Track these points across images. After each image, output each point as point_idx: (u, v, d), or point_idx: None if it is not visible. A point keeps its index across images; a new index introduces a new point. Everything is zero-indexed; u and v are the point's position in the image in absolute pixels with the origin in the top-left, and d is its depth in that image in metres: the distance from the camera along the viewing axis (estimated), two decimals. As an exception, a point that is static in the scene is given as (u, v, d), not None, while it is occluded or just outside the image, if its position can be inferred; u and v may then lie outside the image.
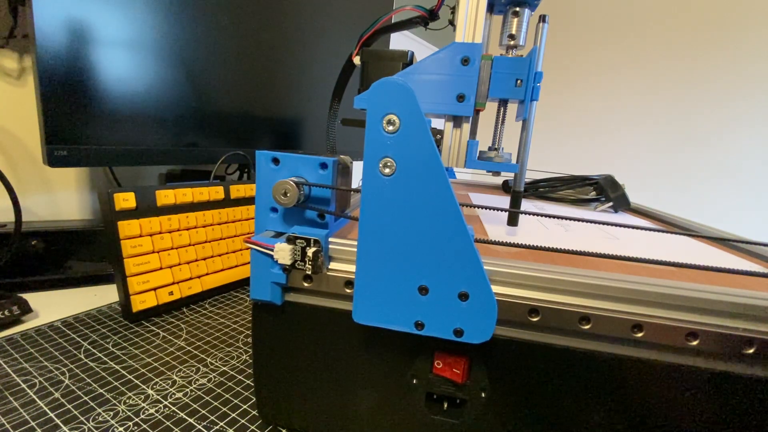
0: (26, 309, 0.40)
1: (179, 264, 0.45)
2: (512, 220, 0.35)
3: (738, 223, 1.50)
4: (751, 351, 0.20)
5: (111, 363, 0.34)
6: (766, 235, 1.45)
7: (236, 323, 0.43)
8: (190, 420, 0.28)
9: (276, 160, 0.24)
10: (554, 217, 0.26)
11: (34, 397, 0.29)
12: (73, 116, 0.44)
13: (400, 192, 0.20)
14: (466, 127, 0.31)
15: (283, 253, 0.23)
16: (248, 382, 0.33)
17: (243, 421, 0.28)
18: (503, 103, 0.32)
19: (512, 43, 0.30)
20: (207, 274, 0.47)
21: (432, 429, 0.25)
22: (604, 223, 0.24)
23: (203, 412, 0.29)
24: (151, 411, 0.29)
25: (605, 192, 0.50)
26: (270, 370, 0.27)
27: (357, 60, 0.33)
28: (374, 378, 0.25)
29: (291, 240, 0.23)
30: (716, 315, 0.21)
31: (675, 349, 0.21)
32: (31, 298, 0.41)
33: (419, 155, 0.20)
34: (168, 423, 0.28)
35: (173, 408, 0.29)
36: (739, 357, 0.21)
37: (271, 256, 0.23)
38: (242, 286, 0.52)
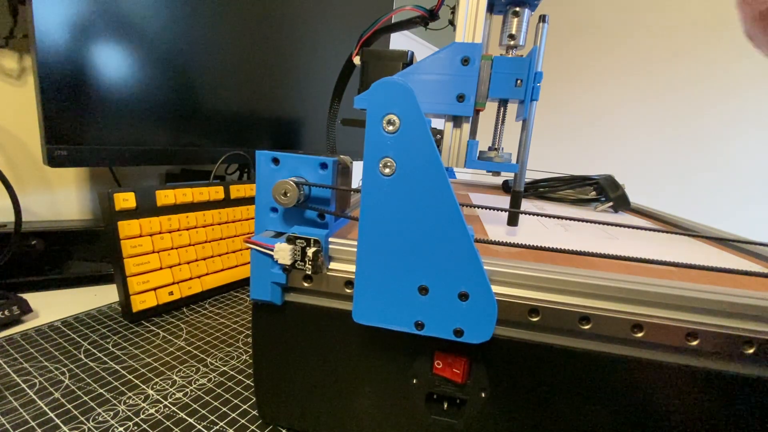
0: (26, 309, 0.40)
1: (179, 264, 0.45)
2: (512, 220, 0.35)
3: (738, 224, 1.50)
4: (751, 351, 0.20)
5: (111, 363, 0.34)
6: (766, 235, 1.45)
7: (236, 323, 0.43)
8: (190, 420, 0.28)
9: (276, 160, 0.24)
10: (554, 217, 0.26)
11: (34, 397, 0.29)
12: (73, 116, 0.44)
13: (400, 192, 0.20)
14: (466, 127, 0.31)
15: (283, 253, 0.23)
16: (248, 382, 0.33)
17: (243, 421, 0.28)
18: (503, 103, 0.32)
19: (512, 43, 0.30)
20: (207, 274, 0.47)
21: (432, 429, 0.25)
22: (604, 223, 0.24)
23: (203, 412, 0.29)
24: (151, 411, 0.29)
25: (605, 192, 0.50)
26: (270, 370, 0.27)
27: (357, 60, 0.33)
28: (374, 378, 0.25)
29: (291, 240, 0.23)
30: (716, 315, 0.21)
31: (675, 349, 0.21)
32: (31, 298, 0.41)
33: (419, 155, 0.20)
34: (168, 423, 0.28)
35: (173, 408, 0.29)
36: (739, 357, 0.21)
37: (271, 256, 0.23)
38: (242, 286, 0.52)
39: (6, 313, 0.38)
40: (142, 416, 0.28)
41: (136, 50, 0.48)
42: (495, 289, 0.22)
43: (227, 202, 0.51)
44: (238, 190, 0.52)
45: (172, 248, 0.44)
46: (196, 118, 0.57)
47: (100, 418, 0.27)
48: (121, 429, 0.27)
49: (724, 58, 1.44)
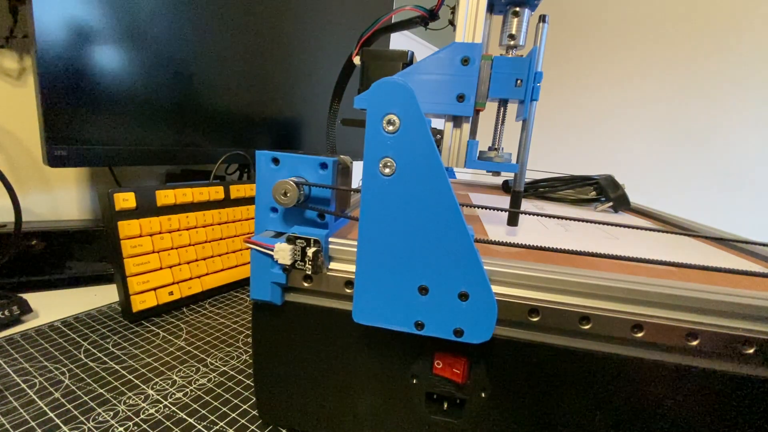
0: (26, 309, 0.40)
1: (179, 264, 0.45)
2: (512, 220, 0.35)
3: (738, 224, 1.50)
4: (750, 351, 0.20)
5: (111, 363, 0.34)
6: (766, 235, 1.45)
7: (236, 323, 0.43)
8: (190, 420, 0.28)
9: (276, 160, 0.24)
10: (554, 217, 0.26)
11: (34, 397, 0.29)
12: (73, 116, 0.44)
13: (400, 192, 0.20)
14: (466, 127, 0.31)
15: (283, 253, 0.23)
16: (248, 382, 0.33)
17: (243, 421, 0.28)
18: (503, 103, 0.32)
19: (512, 43, 0.30)
20: (207, 274, 0.47)
21: (432, 429, 0.25)
22: (604, 223, 0.24)
23: (203, 412, 0.29)
24: (151, 411, 0.29)
25: (605, 192, 0.50)
26: (270, 370, 0.27)
27: (357, 60, 0.33)
28: (374, 378, 0.25)
29: (291, 240, 0.23)
30: (716, 315, 0.21)
31: (675, 349, 0.21)
32: (31, 298, 0.41)
33: (419, 155, 0.20)
34: (168, 423, 0.28)
35: (173, 408, 0.29)
36: (739, 357, 0.21)
37: (271, 256, 0.23)
38: (242, 286, 0.52)
39: (6, 313, 0.38)
40: (142, 416, 0.28)
41: (136, 50, 0.48)
42: (495, 289, 0.22)
43: (227, 202, 0.51)
44: (238, 190, 0.52)
45: (172, 248, 0.44)
46: (197, 118, 0.57)
47: (100, 418, 0.27)
48: (121, 429, 0.27)
49: (726, 59, 1.44)
